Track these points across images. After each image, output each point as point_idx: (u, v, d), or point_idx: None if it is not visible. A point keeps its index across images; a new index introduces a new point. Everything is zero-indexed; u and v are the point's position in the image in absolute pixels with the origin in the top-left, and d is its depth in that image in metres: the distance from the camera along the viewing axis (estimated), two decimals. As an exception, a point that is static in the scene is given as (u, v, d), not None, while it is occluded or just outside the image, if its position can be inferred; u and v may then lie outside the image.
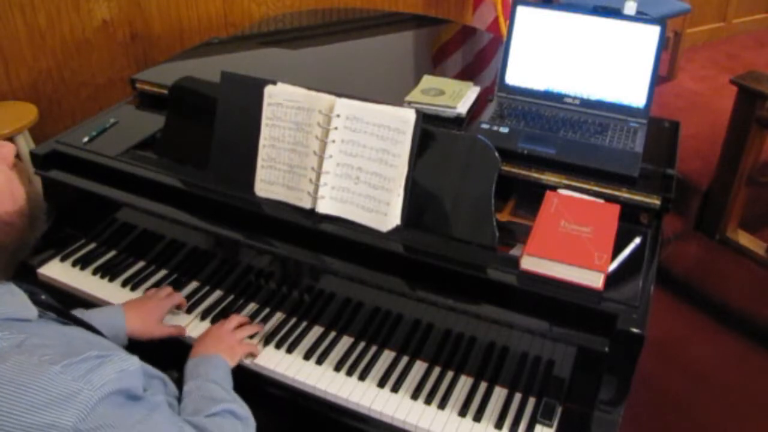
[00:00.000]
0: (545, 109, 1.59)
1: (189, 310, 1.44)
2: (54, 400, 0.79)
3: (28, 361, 0.81)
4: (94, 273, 1.53)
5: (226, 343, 1.29)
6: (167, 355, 1.30)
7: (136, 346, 1.30)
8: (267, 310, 1.44)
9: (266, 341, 1.37)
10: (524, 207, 1.44)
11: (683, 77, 4.01)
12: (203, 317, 1.43)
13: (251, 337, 1.37)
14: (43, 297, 1.03)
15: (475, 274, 1.23)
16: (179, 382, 1.19)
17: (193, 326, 1.41)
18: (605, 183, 1.39)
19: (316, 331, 1.40)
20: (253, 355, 1.33)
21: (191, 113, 1.55)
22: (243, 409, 1.14)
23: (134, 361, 0.90)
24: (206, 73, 1.58)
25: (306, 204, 1.37)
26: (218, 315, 1.43)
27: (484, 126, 1.53)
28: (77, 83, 2.63)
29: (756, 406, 2.04)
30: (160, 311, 1.38)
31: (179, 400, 1.14)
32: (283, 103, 1.38)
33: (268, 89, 1.40)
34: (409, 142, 1.31)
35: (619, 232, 1.27)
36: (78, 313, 1.27)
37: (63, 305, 1.07)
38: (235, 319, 1.37)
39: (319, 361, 1.32)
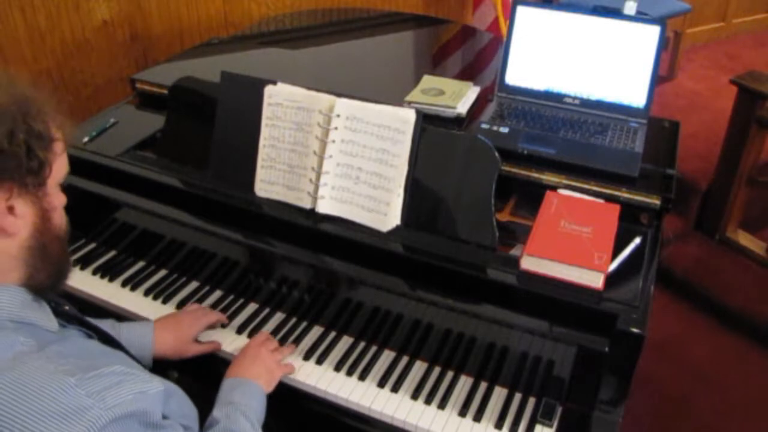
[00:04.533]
0: (545, 109, 1.59)
1: (189, 310, 1.44)
2: (62, 412, 0.77)
3: (45, 368, 0.80)
4: (94, 273, 1.53)
5: (266, 366, 1.24)
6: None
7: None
8: (267, 310, 1.44)
9: (266, 341, 1.37)
10: (524, 207, 1.44)
11: (683, 77, 4.01)
12: (203, 317, 1.43)
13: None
14: (66, 308, 1.02)
15: (475, 274, 1.23)
16: (179, 382, 1.18)
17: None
18: (605, 183, 1.39)
19: (316, 331, 1.40)
20: (290, 373, 1.29)
21: (191, 113, 1.55)
22: None
23: (155, 384, 0.87)
24: (206, 73, 1.58)
25: (306, 204, 1.37)
26: (218, 315, 1.43)
27: (484, 126, 1.53)
28: (77, 83, 2.63)
29: (756, 405, 2.04)
30: (196, 329, 1.33)
31: (202, 422, 1.11)
32: (283, 103, 1.38)
33: (268, 89, 1.40)
34: (409, 142, 1.31)
35: (619, 232, 1.27)
36: (108, 325, 1.26)
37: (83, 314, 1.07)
38: (274, 341, 1.32)
39: (319, 361, 1.32)
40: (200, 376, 1.38)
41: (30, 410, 0.77)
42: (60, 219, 0.95)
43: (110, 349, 0.99)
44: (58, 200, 0.94)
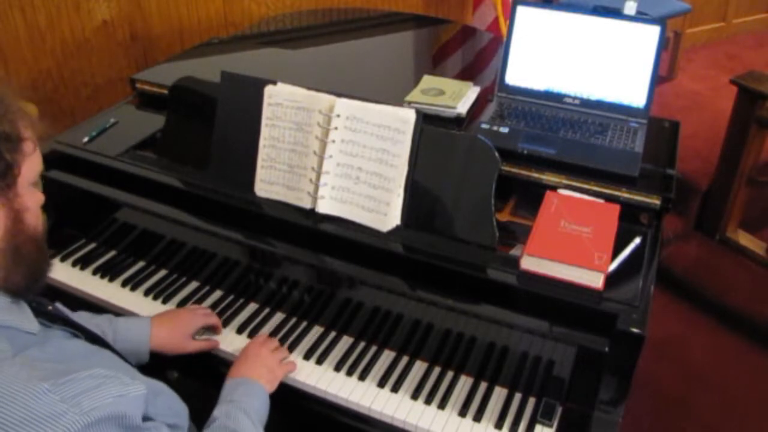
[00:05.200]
0: (545, 109, 1.59)
1: (189, 310, 1.44)
2: (35, 419, 0.75)
3: (18, 374, 0.78)
4: (94, 273, 1.53)
5: (267, 366, 1.24)
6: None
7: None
8: (267, 310, 1.44)
9: (266, 341, 1.36)
10: (524, 207, 1.44)
11: (683, 77, 4.00)
12: (203, 317, 1.43)
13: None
14: (50, 308, 1.01)
15: (475, 274, 1.23)
16: (179, 382, 1.18)
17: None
18: (605, 183, 1.39)
19: (316, 331, 1.40)
20: (291, 372, 1.29)
21: (191, 113, 1.55)
22: None
23: (136, 386, 0.86)
24: (206, 73, 1.58)
25: (306, 204, 1.37)
26: (218, 315, 1.42)
27: (484, 126, 1.53)
28: (77, 83, 2.63)
29: (756, 405, 2.04)
30: (193, 325, 1.33)
31: (200, 421, 1.10)
32: (283, 103, 1.38)
33: (268, 89, 1.40)
34: (409, 142, 1.31)
35: (619, 232, 1.27)
36: (106, 319, 1.26)
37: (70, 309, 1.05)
38: (274, 341, 1.32)
39: (319, 361, 1.32)
40: (200, 376, 1.38)
41: (2, 418, 0.75)
42: (35, 219, 0.92)
43: (96, 348, 0.97)
44: (31, 200, 0.92)
